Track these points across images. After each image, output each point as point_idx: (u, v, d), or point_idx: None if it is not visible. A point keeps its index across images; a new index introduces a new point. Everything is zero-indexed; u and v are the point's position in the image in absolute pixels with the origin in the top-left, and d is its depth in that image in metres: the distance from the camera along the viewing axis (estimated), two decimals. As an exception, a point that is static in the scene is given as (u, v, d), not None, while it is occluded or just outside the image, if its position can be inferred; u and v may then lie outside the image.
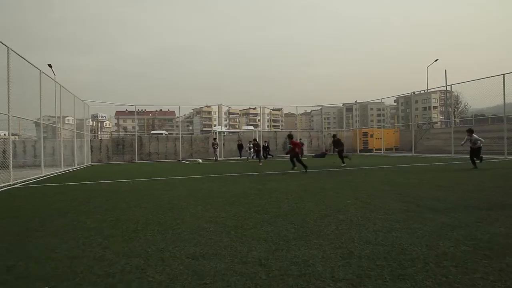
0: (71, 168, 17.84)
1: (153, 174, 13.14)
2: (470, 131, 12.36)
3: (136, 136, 25.69)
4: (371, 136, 30.27)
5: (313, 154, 25.68)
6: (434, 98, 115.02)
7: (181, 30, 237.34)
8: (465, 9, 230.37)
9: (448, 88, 28.92)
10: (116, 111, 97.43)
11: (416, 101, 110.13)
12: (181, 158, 25.65)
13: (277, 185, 8.48)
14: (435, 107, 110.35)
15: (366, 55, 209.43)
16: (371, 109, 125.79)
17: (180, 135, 26.54)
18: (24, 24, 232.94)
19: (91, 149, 25.27)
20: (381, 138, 30.21)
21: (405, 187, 7.55)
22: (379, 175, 10.26)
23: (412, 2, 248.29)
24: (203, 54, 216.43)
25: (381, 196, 6.24)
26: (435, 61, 34.81)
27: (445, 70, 33.07)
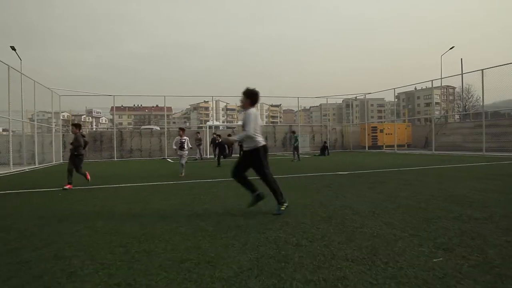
0: (27, 168, 14.70)
1: (116, 178, 10.03)
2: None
3: (114, 130, 22.46)
4: (381, 131, 27.19)
5: (318, 153, 22.40)
6: (436, 94, 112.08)
7: (180, 26, 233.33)
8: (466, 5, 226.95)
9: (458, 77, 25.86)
10: (112, 107, 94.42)
11: (418, 97, 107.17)
12: (166, 155, 22.51)
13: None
14: (437, 103, 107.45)
15: (366, 51, 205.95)
16: (372, 105, 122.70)
17: (166, 130, 23.30)
18: (24, 19, 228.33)
19: (64, 145, 22.11)
20: (391, 134, 27.20)
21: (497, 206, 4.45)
22: (430, 184, 7.16)
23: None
24: (201, 50, 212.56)
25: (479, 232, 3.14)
26: (451, 48, 31.69)
27: (461, 58, 30.00)
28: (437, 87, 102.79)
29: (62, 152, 21.57)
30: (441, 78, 28.81)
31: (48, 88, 18.81)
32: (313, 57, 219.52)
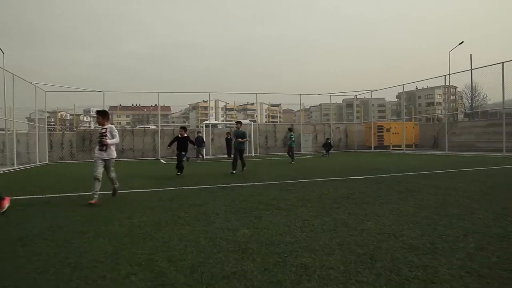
0: (1, 170, 13.25)
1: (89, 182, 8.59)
2: None
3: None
4: (388, 130, 25.73)
5: (324, 153, 19.97)
6: (438, 94, 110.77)
7: (180, 26, 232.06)
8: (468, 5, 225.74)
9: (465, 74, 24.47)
10: (110, 106, 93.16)
11: (419, 97, 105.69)
12: (160, 156, 21.06)
13: (281, 220, 3.94)
14: (438, 103, 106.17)
15: (366, 51, 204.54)
16: (373, 105, 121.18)
17: (159, 128, 21.83)
18: (24, 19, 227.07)
19: (50, 144, 20.69)
20: (398, 133, 25.77)
21: None
22: (476, 194, 5.72)
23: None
24: (202, 50, 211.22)
25: None
26: (460, 43, 30.29)
27: (470, 54, 28.55)
28: (438, 87, 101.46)
29: (48, 152, 20.16)
30: (450, 74, 27.23)
31: (31, 83, 17.36)
32: (313, 57, 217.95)
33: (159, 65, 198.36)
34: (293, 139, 14.67)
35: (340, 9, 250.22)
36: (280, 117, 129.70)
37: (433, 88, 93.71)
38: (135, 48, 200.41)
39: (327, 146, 19.95)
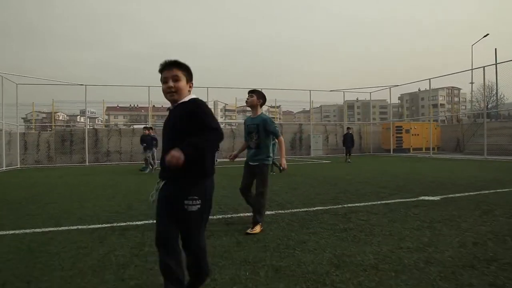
0: None
1: (33, 201, 5.83)
2: None
3: (86, 128, 18.16)
4: (407, 131, 23.07)
5: (347, 157, 15.29)
6: (441, 95, 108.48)
7: (180, 26, 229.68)
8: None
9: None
10: (107, 107, 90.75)
11: (422, 98, 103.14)
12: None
13: None
14: (442, 105, 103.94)
15: (366, 51, 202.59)
16: (373, 106, 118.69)
17: (149, 126, 18.98)
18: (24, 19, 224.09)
19: (25, 145, 17.91)
20: (418, 134, 23.19)
21: None
22: None
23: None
24: (202, 50, 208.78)
25: None
26: (485, 36, 27.71)
27: (495, 48, 25.95)
28: (442, 88, 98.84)
29: (22, 154, 17.38)
30: (472, 69, 24.53)
31: (-5, 72, 14.59)
32: (313, 57, 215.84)
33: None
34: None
35: (341, 9, 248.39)
36: (279, 119, 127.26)
37: (436, 90, 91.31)
38: (135, 48, 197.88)
39: (348, 142, 15.41)
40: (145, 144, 12.42)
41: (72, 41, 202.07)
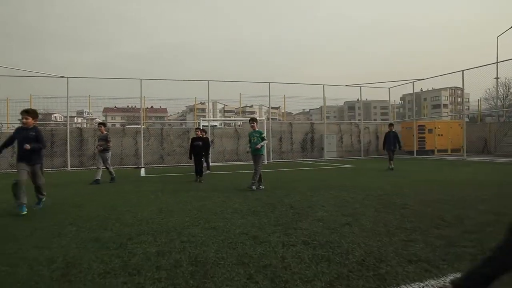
0: None
1: None
2: None
3: (68, 127, 15.74)
4: (430, 131, 20.77)
5: (389, 164, 11.98)
6: (444, 96, 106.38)
7: (180, 26, 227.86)
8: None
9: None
10: (104, 108, 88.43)
11: (425, 99, 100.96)
12: (143, 163, 15.92)
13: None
14: (445, 105, 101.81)
15: (366, 52, 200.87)
16: (374, 107, 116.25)
17: (142, 127, 16.60)
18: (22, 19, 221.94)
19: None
20: (442, 135, 20.93)
21: None
22: None
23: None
24: (201, 50, 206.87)
25: None
26: (511, 28, 25.45)
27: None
28: (445, 88, 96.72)
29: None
30: (497, 62, 22.21)
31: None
32: (313, 57, 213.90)
33: (159, 66, 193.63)
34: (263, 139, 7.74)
35: (342, 10, 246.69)
36: (279, 119, 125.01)
37: (439, 90, 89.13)
38: (134, 49, 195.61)
39: (391, 143, 12.20)
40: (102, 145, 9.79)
41: (72, 41, 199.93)
